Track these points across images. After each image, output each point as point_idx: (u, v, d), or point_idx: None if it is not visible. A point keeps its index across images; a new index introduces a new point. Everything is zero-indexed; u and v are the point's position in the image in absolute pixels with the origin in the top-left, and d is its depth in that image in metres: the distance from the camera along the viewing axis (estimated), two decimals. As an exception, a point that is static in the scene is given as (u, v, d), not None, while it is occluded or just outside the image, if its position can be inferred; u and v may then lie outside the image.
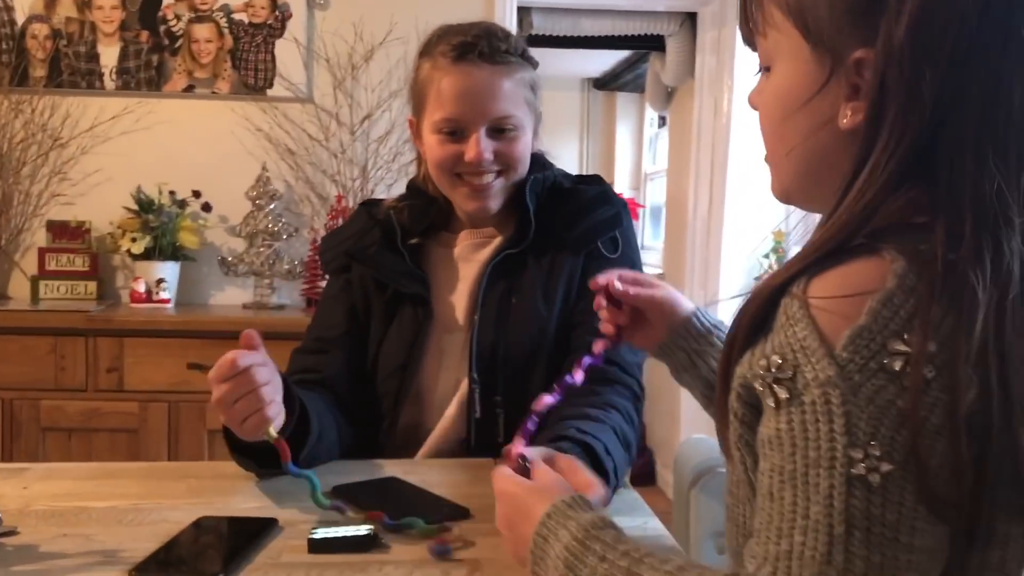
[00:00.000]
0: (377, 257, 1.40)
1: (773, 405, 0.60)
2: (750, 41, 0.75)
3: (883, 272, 0.59)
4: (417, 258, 1.42)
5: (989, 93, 0.61)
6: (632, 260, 1.43)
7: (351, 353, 1.41)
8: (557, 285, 1.38)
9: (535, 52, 1.43)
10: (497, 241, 1.43)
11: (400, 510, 1.06)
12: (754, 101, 0.75)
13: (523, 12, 3.76)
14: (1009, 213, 0.60)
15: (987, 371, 0.57)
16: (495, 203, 1.38)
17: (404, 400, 1.37)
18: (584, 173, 1.51)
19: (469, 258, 1.43)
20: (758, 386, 0.62)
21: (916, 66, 0.61)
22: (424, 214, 1.44)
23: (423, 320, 1.38)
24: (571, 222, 1.39)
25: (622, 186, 5.78)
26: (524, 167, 1.39)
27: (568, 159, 6.16)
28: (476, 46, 1.31)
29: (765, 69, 0.73)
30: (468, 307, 1.40)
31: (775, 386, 0.60)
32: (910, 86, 0.61)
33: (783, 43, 0.70)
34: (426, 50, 1.37)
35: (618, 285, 1.05)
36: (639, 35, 4.02)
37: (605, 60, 5.40)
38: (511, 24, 3.16)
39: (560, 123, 6.05)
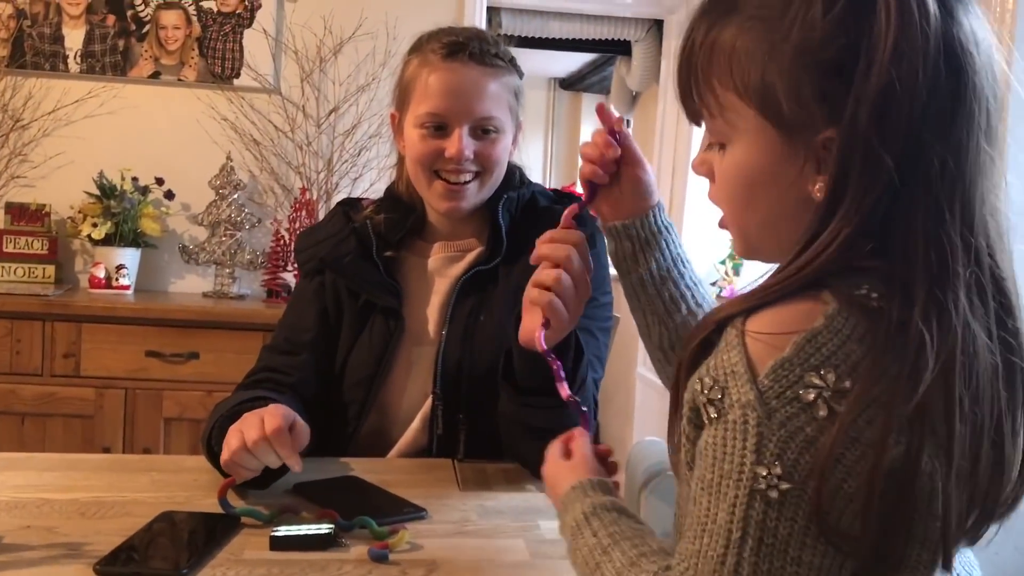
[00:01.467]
0: (351, 267, 1.41)
1: (707, 422, 0.66)
2: (695, 118, 0.76)
3: (816, 313, 0.64)
4: (391, 268, 1.43)
5: (941, 163, 0.65)
6: (602, 285, 1.43)
7: (320, 357, 1.42)
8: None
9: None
10: (470, 256, 1.45)
11: (358, 509, 1.09)
12: (703, 172, 0.78)
13: (492, 12, 3.78)
14: (956, 275, 0.64)
15: (922, 430, 0.61)
16: (468, 205, 1.39)
17: (370, 409, 1.39)
18: (549, 171, 1.54)
19: (442, 271, 1.45)
20: (698, 403, 0.67)
21: (879, 144, 0.64)
22: (400, 225, 1.45)
23: (394, 331, 1.39)
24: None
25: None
26: (500, 171, 1.41)
27: (533, 157, 6.17)
28: (467, 46, 1.34)
29: (719, 145, 0.75)
30: (438, 321, 1.42)
31: (707, 405, 0.66)
32: (872, 163, 0.64)
33: (740, 124, 0.71)
34: (416, 48, 1.40)
35: (614, 114, 1.05)
36: (606, 39, 4.06)
37: (572, 61, 5.44)
38: (479, 24, 3.18)
39: (526, 121, 6.06)
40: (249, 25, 3.09)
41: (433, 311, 1.43)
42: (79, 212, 2.94)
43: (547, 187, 1.55)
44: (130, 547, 0.99)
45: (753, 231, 0.74)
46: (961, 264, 0.64)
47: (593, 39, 4.06)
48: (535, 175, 1.55)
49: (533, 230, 1.39)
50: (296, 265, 1.54)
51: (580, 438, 0.93)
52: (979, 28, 0.67)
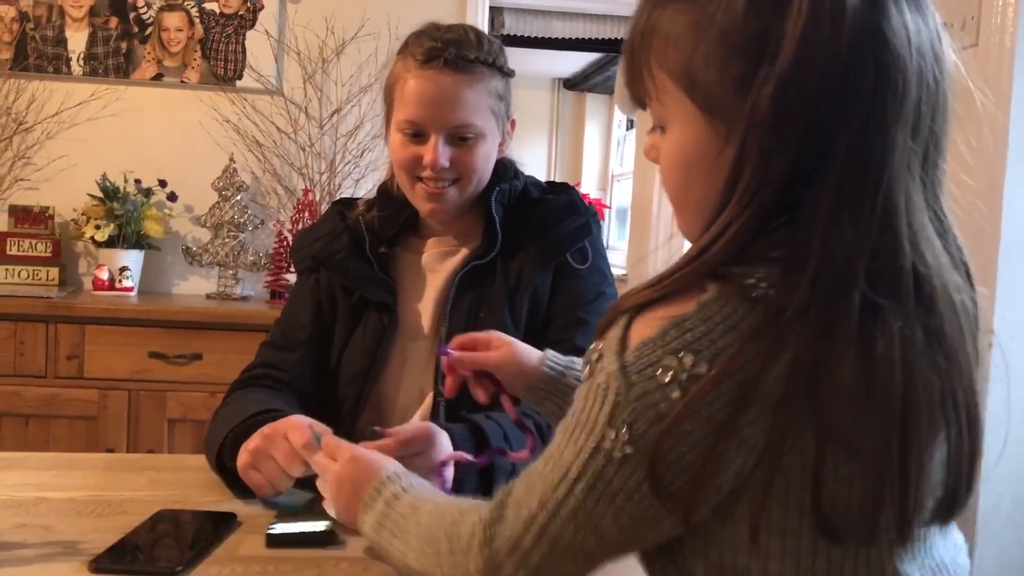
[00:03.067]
0: (344, 263, 1.41)
1: (581, 379, 0.72)
2: (639, 102, 0.78)
3: (692, 300, 0.66)
4: (385, 264, 1.43)
5: (850, 158, 0.65)
6: (602, 270, 1.44)
7: (316, 355, 1.42)
8: (523, 300, 1.38)
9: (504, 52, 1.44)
10: (464, 250, 1.44)
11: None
12: (651, 156, 0.78)
13: (495, 12, 3.79)
14: (855, 272, 0.64)
15: (788, 420, 0.64)
16: (449, 207, 1.39)
17: (365, 405, 1.39)
18: (553, 171, 1.52)
19: (436, 267, 1.44)
20: (585, 361, 0.72)
21: (774, 134, 0.65)
22: (393, 221, 1.45)
23: (388, 327, 1.39)
24: (538, 233, 1.40)
25: (589, 187, 5.82)
26: (482, 176, 1.39)
27: (537, 158, 6.19)
28: (443, 52, 1.31)
29: (660, 128, 0.76)
30: (434, 316, 1.41)
31: (586, 364, 0.71)
32: (767, 152, 0.65)
33: (675, 108, 0.73)
34: (402, 48, 1.38)
35: (453, 354, 1.09)
36: (609, 38, 4.06)
37: (576, 61, 5.44)
38: (482, 24, 3.18)
39: (530, 122, 6.07)
40: (251, 26, 3.09)
41: (427, 306, 1.42)
42: (82, 214, 2.94)
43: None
44: (126, 545, 0.98)
45: (692, 215, 0.75)
46: (864, 261, 0.64)
47: (596, 38, 4.07)
48: (539, 177, 1.53)
49: (526, 221, 1.42)
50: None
51: (337, 447, 1.00)
52: (915, 23, 0.67)
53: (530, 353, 1.09)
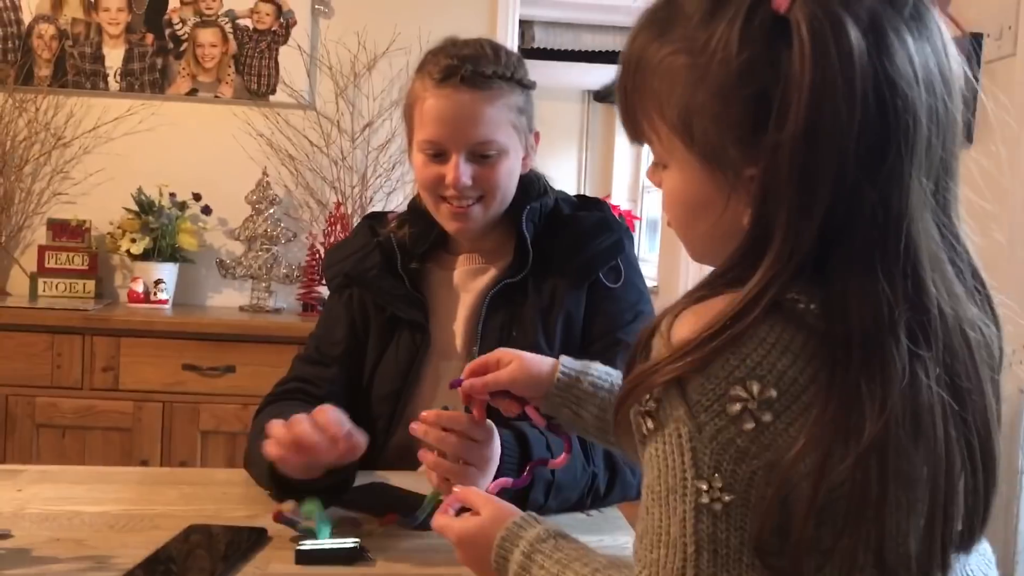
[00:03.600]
0: (376, 281, 1.40)
1: (645, 433, 0.67)
2: (636, 139, 0.77)
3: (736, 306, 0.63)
4: (416, 281, 1.42)
5: (874, 205, 0.64)
6: (637, 287, 1.42)
7: (350, 371, 1.42)
8: (556, 320, 1.37)
9: (535, 65, 1.42)
10: (496, 268, 1.43)
11: (388, 508, 1.12)
12: (653, 181, 0.78)
13: (525, 25, 3.79)
14: (895, 319, 0.63)
15: (867, 465, 0.62)
16: (475, 226, 1.38)
17: (398, 423, 1.38)
18: (583, 183, 1.50)
19: (467, 284, 1.43)
20: (632, 416, 0.69)
21: (802, 192, 0.63)
22: (424, 237, 1.44)
23: (420, 346, 1.38)
24: (570, 252, 1.39)
25: (620, 198, 5.80)
26: (506, 193, 1.38)
27: (567, 170, 6.18)
28: (460, 69, 1.30)
29: (662, 164, 0.75)
30: (466, 335, 1.40)
31: (645, 417, 0.67)
32: (792, 215, 0.63)
33: (674, 152, 0.72)
34: (420, 66, 1.37)
35: (464, 383, 1.08)
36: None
37: (606, 73, 5.42)
38: (512, 37, 3.19)
39: (559, 134, 6.08)
40: (284, 42, 3.12)
41: (460, 325, 1.41)
42: (118, 228, 2.98)
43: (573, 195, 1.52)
44: (157, 560, 0.99)
45: (697, 244, 0.75)
46: (903, 307, 0.63)
47: (627, 51, 4.06)
48: (569, 189, 1.52)
49: (558, 239, 1.41)
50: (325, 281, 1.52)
51: (469, 495, 0.93)
52: (921, 51, 0.65)
53: (541, 363, 1.07)
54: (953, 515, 0.65)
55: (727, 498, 0.62)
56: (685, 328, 0.65)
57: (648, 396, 0.66)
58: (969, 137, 2.17)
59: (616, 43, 3.99)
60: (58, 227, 3.01)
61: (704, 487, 0.62)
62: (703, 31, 0.67)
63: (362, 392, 1.42)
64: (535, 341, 1.36)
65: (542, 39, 3.89)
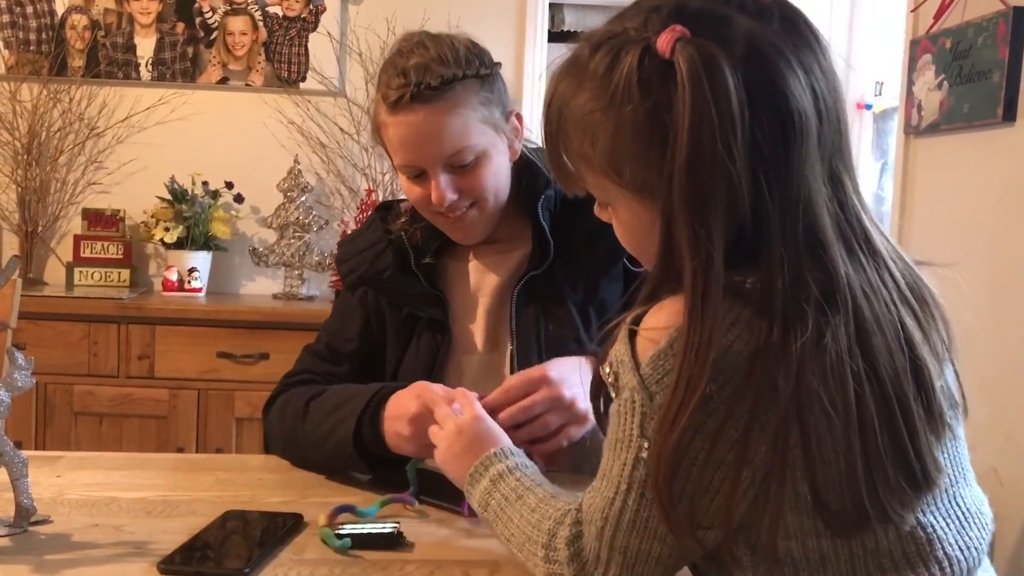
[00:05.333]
0: (391, 282, 1.37)
1: (612, 397, 0.79)
2: (571, 187, 0.85)
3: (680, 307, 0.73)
4: (432, 276, 1.38)
5: (779, 199, 0.72)
6: None
7: (361, 370, 1.39)
8: (590, 310, 1.34)
9: (564, 48, 1.34)
10: (515, 257, 1.38)
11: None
12: (604, 219, 0.86)
13: (555, 8, 3.76)
14: (808, 289, 0.72)
15: (787, 424, 0.71)
16: (479, 230, 1.34)
17: None
18: None
19: (486, 277, 1.39)
20: (606, 382, 0.80)
21: (694, 207, 0.71)
22: (435, 234, 1.38)
23: (441, 343, 1.35)
24: (591, 237, 1.32)
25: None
26: (499, 191, 1.32)
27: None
28: (408, 88, 1.23)
29: (606, 204, 0.84)
30: (489, 329, 1.36)
31: (610, 384, 0.79)
32: (699, 229, 0.71)
33: (611, 193, 0.81)
34: (377, 85, 1.31)
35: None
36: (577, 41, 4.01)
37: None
38: (542, 20, 3.16)
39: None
40: (314, 29, 3.12)
41: (481, 319, 1.37)
42: (152, 217, 3.01)
43: None
44: (194, 546, 0.99)
45: (652, 261, 0.80)
46: (814, 275, 0.72)
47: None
48: None
49: (576, 225, 1.34)
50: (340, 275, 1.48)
51: (464, 401, 1.08)
52: (798, 58, 0.74)
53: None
54: (874, 467, 0.72)
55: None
56: (653, 336, 0.75)
57: (609, 369, 0.78)
58: (1012, 116, 2.12)
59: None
60: (93, 217, 3.03)
61: (645, 444, 0.74)
62: (607, 84, 0.75)
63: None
64: (577, 336, 1.32)
65: (572, 22, 3.85)
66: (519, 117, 1.35)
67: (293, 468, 1.30)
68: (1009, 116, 2.11)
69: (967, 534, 0.79)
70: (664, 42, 0.72)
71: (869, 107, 3.09)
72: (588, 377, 1.16)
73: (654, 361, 0.74)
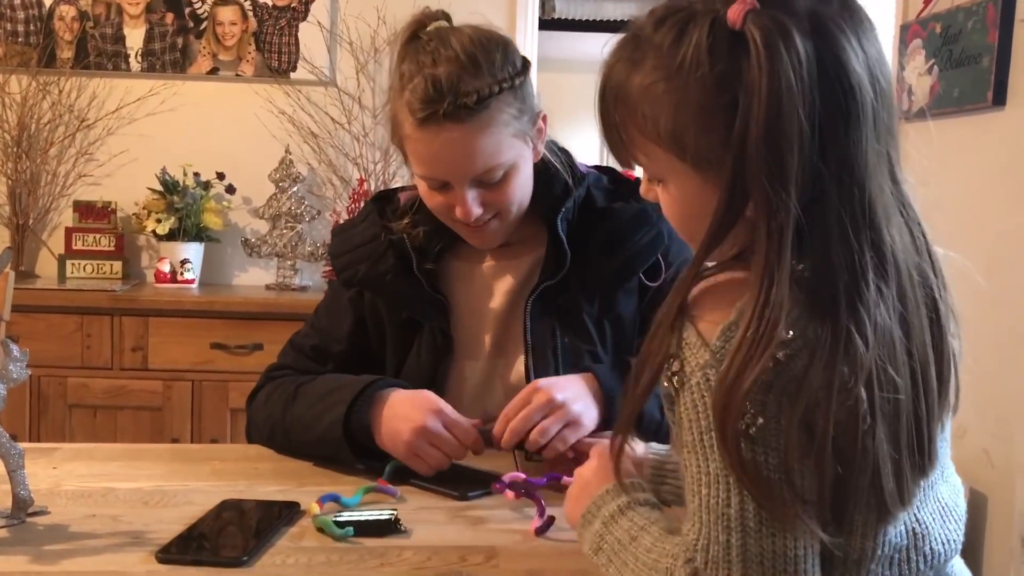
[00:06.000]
0: (392, 285, 1.31)
1: (674, 395, 0.76)
2: (625, 162, 0.85)
3: (748, 282, 0.73)
4: (434, 275, 1.33)
5: (840, 175, 0.73)
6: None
7: (349, 372, 1.34)
8: (605, 325, 1.32)
9: (556, 36, 1.30)
10: (527, 262, 1.34)
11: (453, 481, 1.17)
12: (651, 198, 0.86)
13: (546, -4, 3.75)
14: (865, 267, 0.73)
15: (858, 395, 0.71)
16: (499, 238, 1.31)
17: None
18: (604, 153, 1.28)
19: (497, 281, 1.34)
20: (665, 383, 0.77)
21: (772, 177, 0.72)
22: (439, 234, 1.33)
23: (442, 348, 1.32)
24: (609, 250, 1.30)
25: (638, 169, 5.75)
26: (523, 201, 1.28)
27: (587, 141, 6.13)
28: (440, 104, 1.15)
29: (657, 180, 0.83)
30: (498, 336, 1.34)
31: (671, 379, 0.76)
32: (769, 198, 0.72)
33: (664, 165, 0.80)
34: (398, 82, 1.22)
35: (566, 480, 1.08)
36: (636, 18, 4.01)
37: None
38: (532, 9, 3.15)
39: (580, 106, 5.99)
40: (304, 18, 3.11)
41: (488, 324, 1.34)
42: (144, 208, 3.00)
43: (599, 169, 1.43)
44: (191, 535, 0.99)
45: (699, 237, 0.80)
46: (869, 259, 0.73)
47: (649, 20, 4.01)
48: (589, 161, 1.42)
49: (594, 235, 1.31)
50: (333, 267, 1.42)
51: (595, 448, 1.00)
52: (857, 39, 0.75)
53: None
54: (912, 443, 0.73)
55: (760, 421, 0.69)
56: (717, 316, 0.74)
57: (672, 359, 0.75)
58: (1002, 100, 2.13)
59: (639, 13, 3.94)
60: (84, 209, 3.02)
61: (740, 419, 0.69)
62: (674, 56, 0.75)
63: None
64: (594, 351, 1.30)
65: (563, 9, 3.85)
66: (544, 118, 1.29)
67: (289, 458, 1.30)
68: (999, 100, 2.12)
69: (947, 527, 0.81)
70: (736, 13, 0.72)
71: (860, 92, 3.10)
72: (581, 384, 1.19)
73: (724, 333, 0.72)
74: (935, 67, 2.34)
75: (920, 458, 0.74)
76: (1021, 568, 2.01)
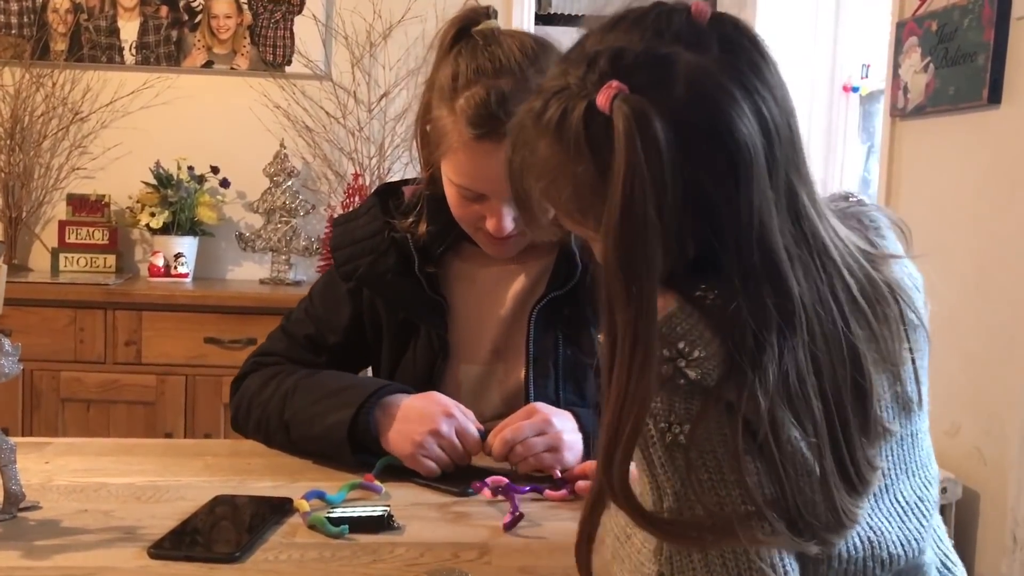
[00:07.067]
0: (392, 284, 1.30)
1: None
2: (537, 226, 0.90)
3: (668, 303, 0.74)
4: (435, 279, 1.31)
5: (732, 232, 0.72)
6: None
7: (339, 364, 1.35)
8: None
9: (552, 31, 1.29)
10: (534, 269, 1.32)
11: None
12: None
13: (542, -10, 3.75)
14: (768, 318, 0.72)
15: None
16: (516, 250, 1.29)
17: None
18: None
19: (500, 288, 1.33)
20: None
21: (633, 255, 0.71)
22: (444, 235, 1.30)
23: (438, 351, 1.31)
24: None
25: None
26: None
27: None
28: (502, 122, 1.08)
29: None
30: (498, 342, 1.33)
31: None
32: (632, 270, 0.71)
33: (579, 229, 0.81)
34: (449, 85, 1.18)
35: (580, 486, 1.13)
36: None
37: (624, 38, 5.38)
38: (529, 4, 3.15)
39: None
40: (299, 12, 3.10)
41: (492, 331, 1.33)
42: (137, 202, 2.99)
43: None
44: (184, 531, 0.99)
45: None
46: (775, 314, 0.73)
47: (645, 15, 4.01)
48: None
49: None
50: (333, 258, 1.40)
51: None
52: (753, 90, 0.73)
53: None
54: (827, 476, 0.73)
55: (686, 428, 0.71)
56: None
57: None
58: (997, 98, 2.13)
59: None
60: (78, 202, 3.01)
61: (664, 427, 0.72)
62: (560, 139, 0.75)
63: None
64: (596, 364, 1.29)
65: (559, 4, 3.84)
66: None
67: (282, 453, 1.30)
68: (994, 98, 2.12)
69: (907, 527, 0.81)
70: (603, 100, 0.72)
71: (855, 89, 3.10)
72: (575, 422, 1.20)
73: (668, 322, 0.73)
74: (931, 65, 2.34)
75: (846, 481, 0.74)
76: (1014, 565, 2.01)
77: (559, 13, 3.88)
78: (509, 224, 1.21)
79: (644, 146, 0.69)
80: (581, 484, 1.13)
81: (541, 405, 1.20)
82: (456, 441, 1.18)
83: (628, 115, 0.70)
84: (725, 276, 0.73)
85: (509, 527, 1.04)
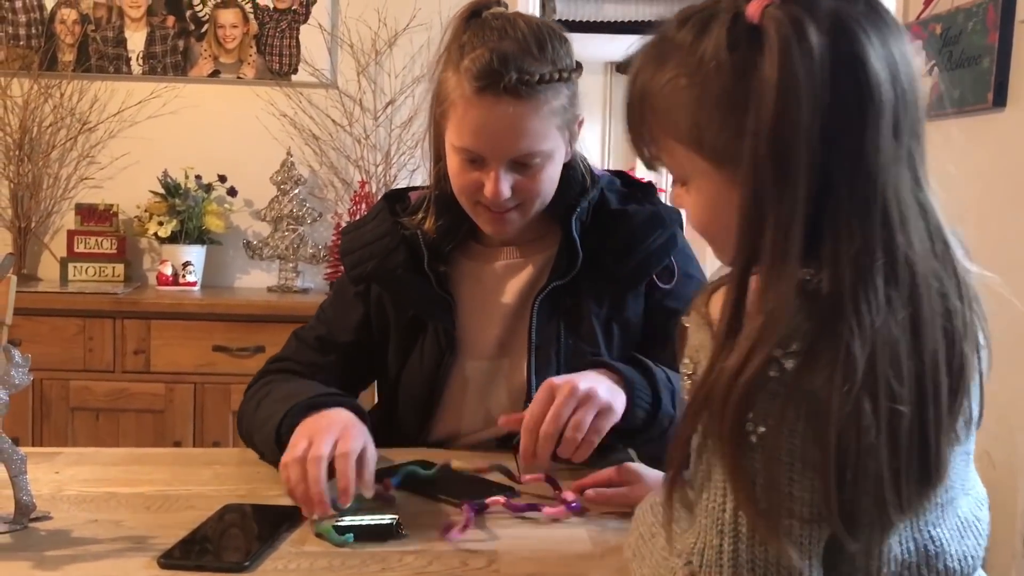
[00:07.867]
0: (401, 280, 1.32)
1: (687, 399, 0.75)
2: (651, 164, 0.84)
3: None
4: (443, 276, 1.33)
5: (851, 171, 0.71)
6: (695, 278, 1.36)
7: (349, 363, 1.37)
8: (613, 327, 1.32)
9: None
10: (538, 261, 1.35)
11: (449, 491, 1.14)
12: (678, 205, 0.85)
13: (547, -3, 3.76)
14: (875, 271, 0.71)
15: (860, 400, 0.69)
16: (513, 229, 1.30)
17: (428, 428, 1.35)
18: (607, 155, 1.37)
19: (506, 281, 1.34)
20: (683, 384, 0.78)
21: (781, 170, 0.70)
22: (453, 232, 1.33)
23: (446, 348, 1.32)
24: (622, 252, 1.31)
25: (642, 169, 5.76)
26: (547, 196, 1.29)
27: (591, 142, 6.15)
28: (503, 76, 1.16)
29: (682, 182, 0.82)
30: (504, 336, 1.34)
31: (689, 376, 0.76)
32: (778, 190, 0.71)
33: (689, 166, 0.79)
34: (455, 51, 1.22)
35: (591, 494, 1.12)
36: (662, 20, 4.01)
37: (628, 44, 5.38)
38: (533, 10, 3.16)
39: (583, 106, 6.03)
40: (305, 21, 3.11)
41: (494, 324, 1.34)
42: (145, 211, 3.00)
43: (612, 172, 1.43)
44: (193, 540, 1.00)
45: (727, 246, 0.79)
46: (879, 261, 0.71)
47: (649, 20, 4.01)
48: (593, 161, 1.41)
49: (608, 237, 1.31)
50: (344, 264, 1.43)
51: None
52: (879, 39, 0.73)
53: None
54: (913, 453, 0.71)
55: (761, 429, 0.69)
56: (716, 303, 0.74)
57: (688, 362, 0.76)
58: (1002, 101, 2.13)
59: (639, 13, 3.94)
60: (86, 212, 3.03)
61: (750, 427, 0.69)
62: (695, 52, 0.75)
63: (389, 395, 1.39)
64: (597, 352, 1.29)
65: (564, 11, 3.85)
66: (580, 124, 1.31)
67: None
68: (999, 101, 2.12)
69: (965, 543, 0.80)
70: (755, 8, 0.72)
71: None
72: (596, 374, 1.16)
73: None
74: (935, 68, 2.34)
75: (923, 469, 0.72)
76: (1023, 570, 2.01)
77: (564, 20, 3.89)
78: (506, 190, 1.23)
79: (800, 49, 0.70)
80: (590, 493, 1.12)
81: (557, 379, 1.12)
82: (317, 473, 1.04)
83: (784, 20, 0.70)
84: (830, 228, 0.71)
85: (451, 533, 1.02)
